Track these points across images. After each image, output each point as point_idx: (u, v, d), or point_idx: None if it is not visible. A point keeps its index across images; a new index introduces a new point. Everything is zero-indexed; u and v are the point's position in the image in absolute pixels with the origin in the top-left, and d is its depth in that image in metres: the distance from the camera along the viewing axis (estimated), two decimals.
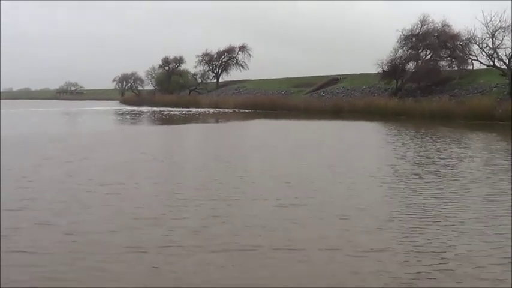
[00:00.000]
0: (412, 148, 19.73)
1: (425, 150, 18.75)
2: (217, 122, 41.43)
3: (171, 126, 37.13)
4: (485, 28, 43.28)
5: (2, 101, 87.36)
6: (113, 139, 24.78)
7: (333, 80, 67.21)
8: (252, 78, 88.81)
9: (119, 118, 47.32)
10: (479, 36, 44.23)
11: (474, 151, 19.10)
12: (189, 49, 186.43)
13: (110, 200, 10.13)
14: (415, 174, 13.41)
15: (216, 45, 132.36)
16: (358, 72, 68.08)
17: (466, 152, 18.31)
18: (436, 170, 14.15)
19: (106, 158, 16.73)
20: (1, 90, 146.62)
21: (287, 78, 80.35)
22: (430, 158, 16.67)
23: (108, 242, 7.35)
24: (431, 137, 24.32)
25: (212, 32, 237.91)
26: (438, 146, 20.19)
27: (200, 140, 26.64)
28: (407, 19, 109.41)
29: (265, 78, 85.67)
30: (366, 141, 23.76)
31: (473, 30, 45.23)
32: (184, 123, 39.60)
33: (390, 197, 10.72)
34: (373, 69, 55.18)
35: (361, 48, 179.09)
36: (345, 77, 67.40)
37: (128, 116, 48.88)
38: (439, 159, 16.33)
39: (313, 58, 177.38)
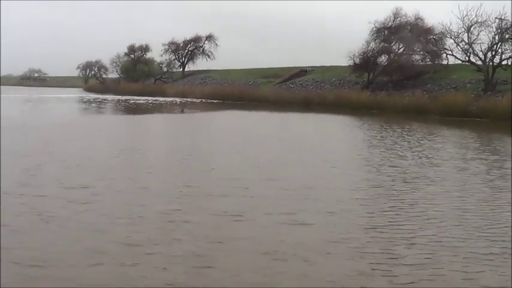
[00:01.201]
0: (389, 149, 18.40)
1: (402, 148, 17.49)
2: (187, 112, 39.48)
3: (139, 116, 35.02)
4: (461, 22, 42.21)
5: None
6: (77, 131, 22.25)
7: (302, 72, 65.82)
8: (218, 68, 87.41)
9: (83, 106, 44.93)
10: (454, 30, 43.12)
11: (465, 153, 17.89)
12: (155, 38, 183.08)
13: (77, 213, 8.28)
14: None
15: (182, 35, 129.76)
16: (328, 65, 67.11)
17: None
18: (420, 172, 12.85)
19: (70, 153, 14.62)
20: None
21: (254, 68, 78.72)
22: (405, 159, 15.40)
23: None
24: (406, 134, 23.13)
25: (178, 22, 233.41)
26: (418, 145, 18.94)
27: (171, 132, 24.55)
28: (377, 13, 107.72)
29: (232, 68, 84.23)
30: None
31: (448, 24, 44.28)
32: (152, 113, 37.92)
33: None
34: (343, 62, 54.03)
35: (329, 40, 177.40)
36: (313, 69, 66.11)
37: (93, 105, 46.67)
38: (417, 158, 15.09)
39: (280, 50, 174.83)
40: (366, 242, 7.03)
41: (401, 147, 17.57)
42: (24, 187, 9.73)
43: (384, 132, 23.45)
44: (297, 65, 70.62)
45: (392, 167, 13.32)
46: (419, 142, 19.46)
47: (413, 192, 10.34)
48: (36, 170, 11.60)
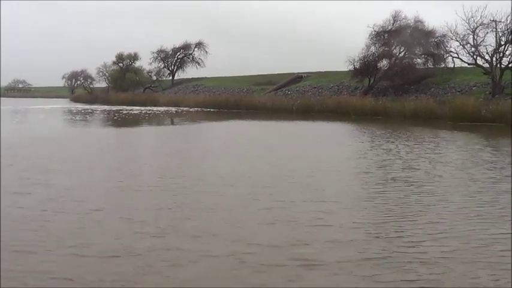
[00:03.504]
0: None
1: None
2: (190, 123, 37.11)
3: (142, 129, 32.30)
4: (466, 24, 41.00)
5: None
6: (71, 149, 19.37)
7: (297, 78, 64.52)
8: (208, 76, 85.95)
9: (74, 118, 42.31)
10: (460, 32, 41.91)
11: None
12: (141, 46, 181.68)
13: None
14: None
15: (170, 42, 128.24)
16: (323, 70, 65.92)
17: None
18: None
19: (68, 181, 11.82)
20: None
21: (246, 76, 77.57)
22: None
23: None
24: (432, 144, 21.60)
25: (166, 29, 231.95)
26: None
27: (186, 147, 21.10)
28: (367, 19, 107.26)
29: (223, 75, 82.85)
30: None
31: (454, 26, 43.10)
32: (152, 124, 36.14)
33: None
34: (338, 67, 52.92)
35: (322, 46, 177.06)
36: (309, 75, 64.84)
37: (87, 116, 44.74)
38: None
39: (272, 56, 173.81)
40: None
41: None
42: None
43: (411, 142, 21.77)
44: (289, 71, 69.45)
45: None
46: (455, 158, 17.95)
47: None
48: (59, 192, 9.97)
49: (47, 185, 11.25)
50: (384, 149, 18.67)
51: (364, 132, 27.06)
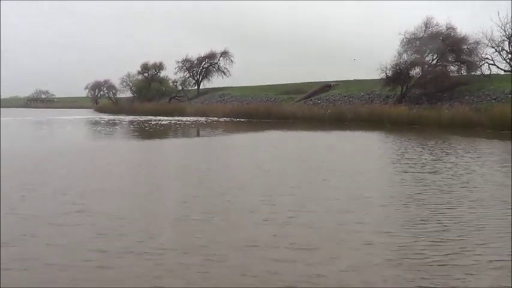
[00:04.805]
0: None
1: None
2: (225, 133, 36.75)
3: (181, 141, 31.98)
4: (502, 31, 40.57)
5: None
6: (112, 162, 19.26)
7: (326, 87, 63.96)
8: (234, 85, 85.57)
9: (106, 130, 41.96)
10: (496, 39, 41.48)
11: None
12: (166, 55, 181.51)
13: None
14: None
15: (195, 52, 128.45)
16: (352, 79, 65.49)
17: None
18: None
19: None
20: None
21: (273, 85, 77.42)
22: None
23: None
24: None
25: (186, 38, 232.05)
26: None
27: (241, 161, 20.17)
28: (389, 26, 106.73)
29: (248, 85, 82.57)
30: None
31: (489, 33, 42.63)
32: (188, 136, 35.84)
33: None
34: (365, 75, 52.43)
35: (348, 54, 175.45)
36: (338, 83, 64.42)
37: (117, 127, 44.66)
38: None
39: (298, 65, 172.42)
40: None
41: None
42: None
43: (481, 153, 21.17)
44: (316, 80, 69.11)
45: None
46: None
47: None
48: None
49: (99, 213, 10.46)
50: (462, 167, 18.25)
51: (418, 145, 25.45)
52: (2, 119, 52.49)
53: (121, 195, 12.22)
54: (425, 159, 19.01)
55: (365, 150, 23.65)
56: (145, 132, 38.81)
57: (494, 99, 41.92)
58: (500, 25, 40.76)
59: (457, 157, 19.45)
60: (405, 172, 15.74)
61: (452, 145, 24.51)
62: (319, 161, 19.00)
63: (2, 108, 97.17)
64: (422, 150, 22.35)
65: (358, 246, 8.00)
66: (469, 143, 25.51)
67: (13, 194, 11.94)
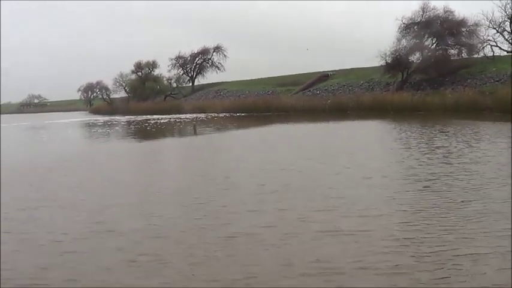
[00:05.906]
0: None
1: None
2: (231, 129, 35.73)
3: (190, 138, 31.35)
4: (503, 11, 39.96)
5: None
6: (127, 171, 18.23)
7: (323, 77, 63.28)
8: (229, 80, 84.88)
9: (107, 131, 40.52)
10: (497, 20, 40.86)
11: None
12: (158, 53, 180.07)
13: None
14: None
15: (188, 48, 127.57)
16: (348, 67, 64.76)
17: None
18: None
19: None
20: None
21: (269, 77, 76.75)
22: None
23: None
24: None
25: (179, 35, 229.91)
26: None
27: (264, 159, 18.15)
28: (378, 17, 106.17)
29: (244, 79, 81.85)
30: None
31: (490, 14, 41.96)
32: (193, 134, 35.06)
33: None
34: (363, 63, 51.82)
35: (341, 43, 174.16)
36: (335, 73, 63.73)
37: (117, 128, 43.82)
38: None
39: (292, 57, 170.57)
40: None
41: None
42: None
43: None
44: (312, 70, 68.40)
45: None
46: None
47: None
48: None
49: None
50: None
51: (432, 132, 24.10)
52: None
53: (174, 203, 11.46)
54: (459, 147, 17.90)
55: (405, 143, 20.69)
56: (149, 132, 37.48)
57: (498, 81, 41.35)
58: (501, 5, 40.07)
59: (489, 143, 18.57)
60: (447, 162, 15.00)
61: (475, 131, 23.57)
62: (349, 156, 17.35)
63: None
64: (447, 138, 21.29)
65: None
66: (490, 128, 24.62)
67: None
